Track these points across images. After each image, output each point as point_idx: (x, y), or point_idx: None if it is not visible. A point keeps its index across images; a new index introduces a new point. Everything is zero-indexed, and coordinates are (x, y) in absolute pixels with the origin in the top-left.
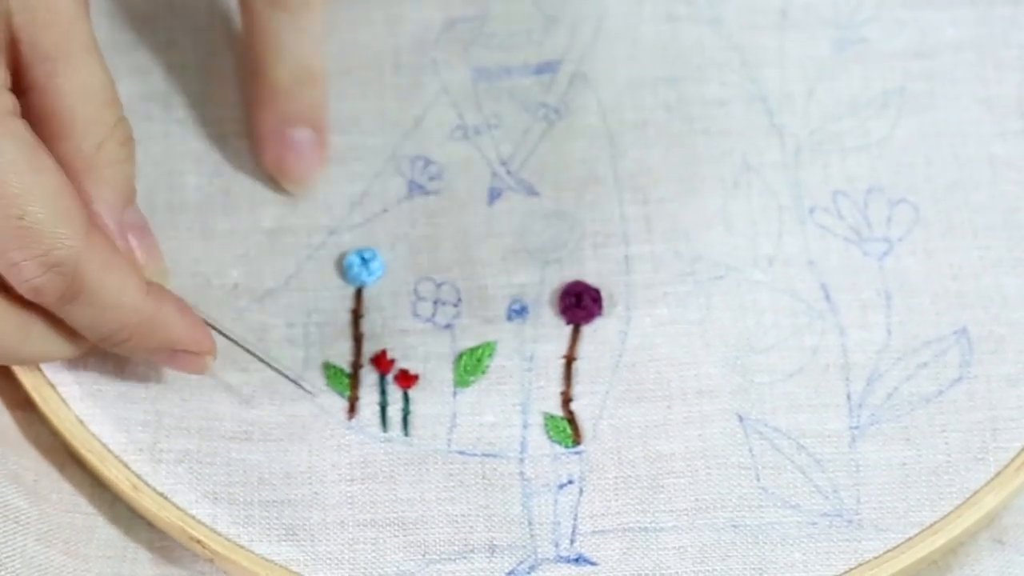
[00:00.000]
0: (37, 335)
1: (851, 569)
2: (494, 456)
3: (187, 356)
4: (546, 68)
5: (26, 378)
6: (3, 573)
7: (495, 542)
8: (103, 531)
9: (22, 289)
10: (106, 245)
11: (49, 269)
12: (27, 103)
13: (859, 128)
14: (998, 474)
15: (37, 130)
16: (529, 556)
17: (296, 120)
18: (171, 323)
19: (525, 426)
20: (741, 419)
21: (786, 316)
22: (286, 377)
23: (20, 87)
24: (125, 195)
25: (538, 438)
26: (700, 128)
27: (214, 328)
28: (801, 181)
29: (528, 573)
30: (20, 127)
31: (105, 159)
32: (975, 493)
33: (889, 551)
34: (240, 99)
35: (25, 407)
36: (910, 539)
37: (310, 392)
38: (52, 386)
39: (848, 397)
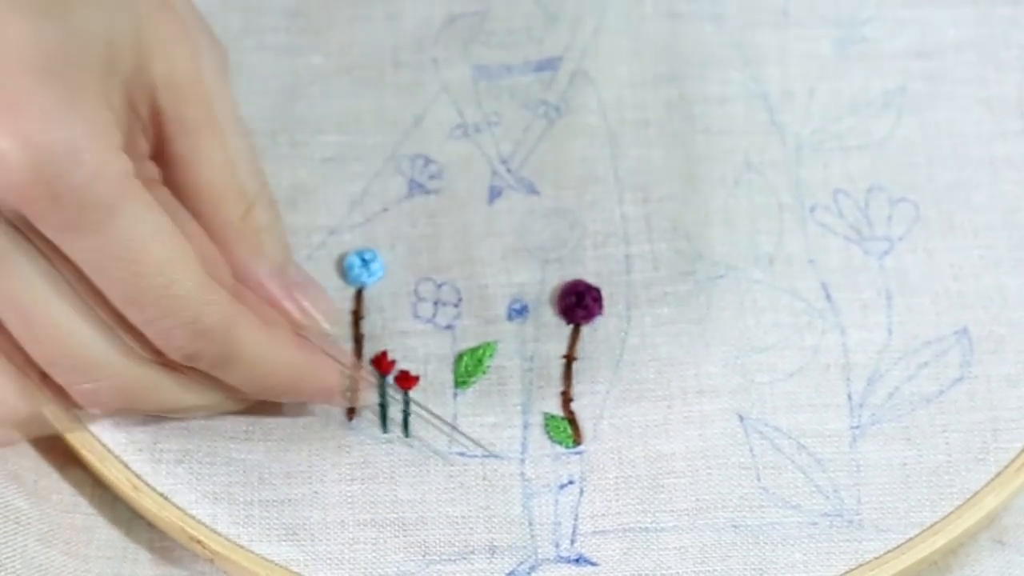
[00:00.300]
0: (195, 389)
1: (851, 569)
2: (495, 457)
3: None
4: (547, 66)
5: None
6: (3, 573)
7: (495, 543)
8: (103, 531)
9: (175, 356)
10: (254, 307)
11: (200, 336)
12: (172, 176)
13: (860, 127)
14: (999, 474)
15: (183, 203)
16: (529, 556)
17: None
18: (324, 373)
19: (526, 426)
20: (742, 419)
21: (787, 315)
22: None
23: (164, 159)
24: (281, 257)
25: (539, 438)
26: (701, 127)
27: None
28: (802, 180)
29: (528, 574)
30: (163, 194)
31: (253, 227)
32: (976, 493)
33: (890, 551)
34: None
35: None
36: (911, 539)
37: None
38: None
39: (849, 397)
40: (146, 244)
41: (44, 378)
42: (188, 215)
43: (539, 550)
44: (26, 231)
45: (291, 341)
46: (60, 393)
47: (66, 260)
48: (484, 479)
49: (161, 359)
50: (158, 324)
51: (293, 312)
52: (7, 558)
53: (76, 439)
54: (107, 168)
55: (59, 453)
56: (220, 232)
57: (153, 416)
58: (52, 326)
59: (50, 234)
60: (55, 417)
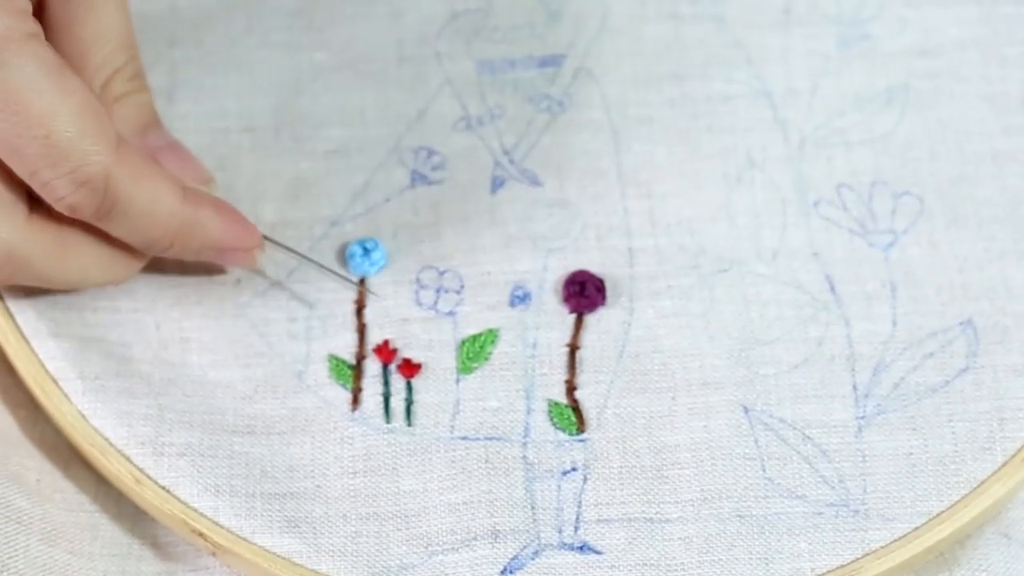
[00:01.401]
0: (75, 255)
1: (857, 559)
2: (497, 439)
3: (234, 252)
4: (550, 61)
5: (28, 373)
6: (7, 574)
7: (498, 527)
8: (107, 529)
9: (58, 207)
10: (137, 157)
11: (81, 185)
12: (48, 38)
13: (863, 123)
14: (1005, 464)
15: None
16: (532, 541)
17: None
18: (211, 224)
19: (529, 411)
20: (746, 410)
21: (791, 308)
22: (331, 271)
23: (42, 21)
24: (139, 124)
25: (542, 424)
26: (704, 124)
27: (267, 239)
28: (805, 175)
29: (532, 558)
30: (43, 49)
31: (111, 95)
32: (982, 483)
33: (896, 541)
34: (242, 94)
35: (27, 406)
36: (917, 529)
37: (351, 281)
38: (54, 381)
39: (854, 387)
40: (24, 95)
41: None
42: (70, 70)
43: (542, 535)
44: None
45: (176, 193)
46: None
47: None
48: (486, 462)
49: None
50: (40, 175)
51: None
52: (10, 558)
53: (78, 434)
54: None
55: (62, 452)
56: None
57: (155, 410)
58: None
59: None
60: None
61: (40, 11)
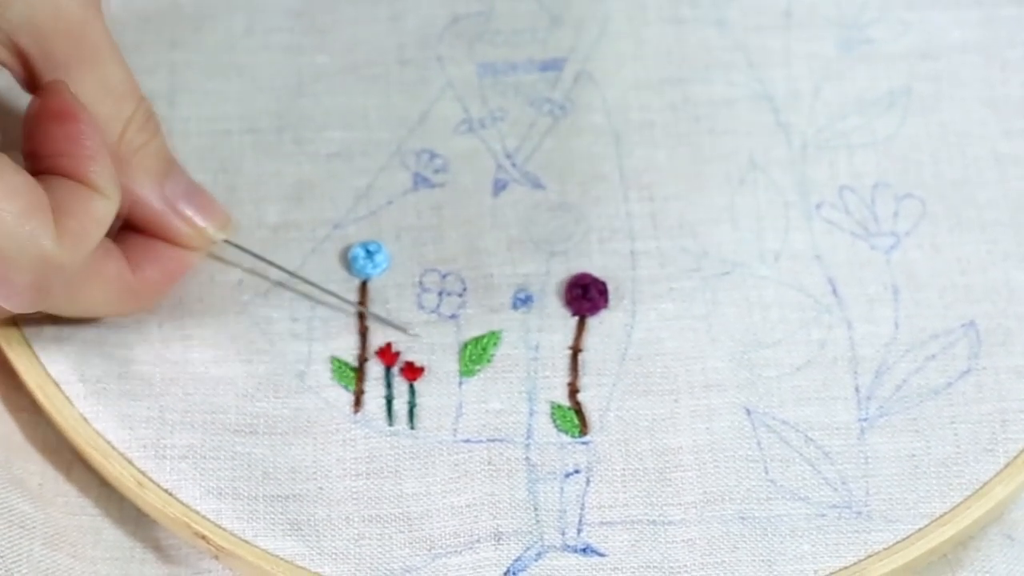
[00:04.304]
0: (86, 289)
1: (860, 560)
2: (500, 442)
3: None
4: (551, 65)
5: (30, 376)
6: None
7: (501, 529)
8: (110, 532)
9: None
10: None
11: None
12: None
13: (865, 126)
14: (1007, 465)
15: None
16: (535, 543)
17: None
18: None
19: (531, 414)
20: (749, 412)
21: (793, 311)
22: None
23: (38, 92)
24: (158, 173)
25: (544, 426)
26: (706, 128)
27: (266, 261)
28: (807, 177)
29: (535, 560)
30: None
31: (127, 149)
32: (985, 484)
33: (898, 542)
34: (243, 97)
35: (29, 410)
36: (920, 530)
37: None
38: (56, 384)
39: (856, 390)
40: None
41: None
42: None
43: (545, 536)
44: None
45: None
46: None
47: None
48: (489, 464)
49: None
50: None
51: (176, 225)
52: (13, 563)
53: (80, 438)
54: None
55: (64, 455)
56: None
57: (157, 412)
58: None
59: None
60: None
61: (32, 77)
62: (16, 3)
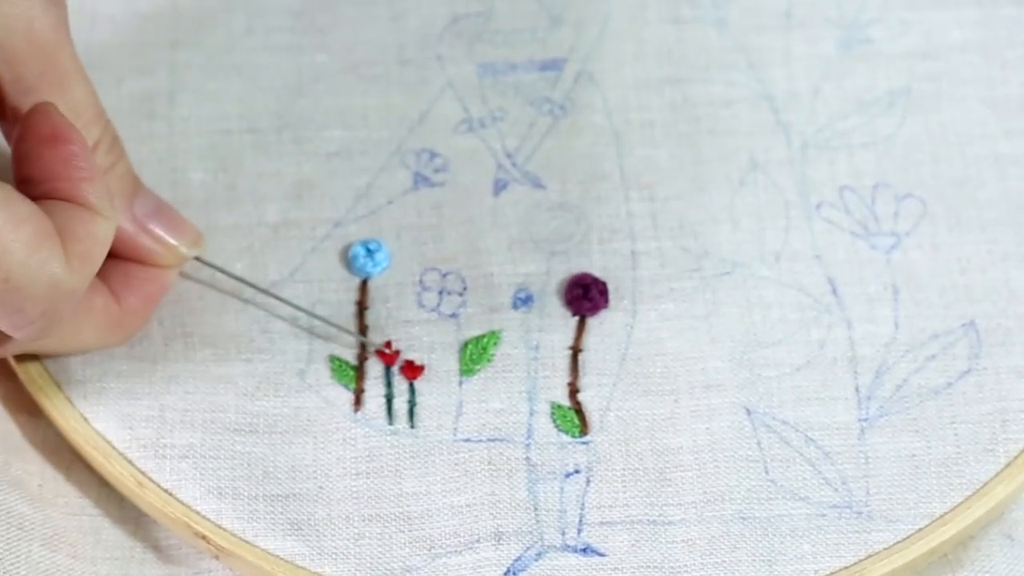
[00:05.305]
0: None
1: (860, 560)
2: (500, 441)
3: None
4: (551, 65)
5: (30, 377)
6: None
7: (501, 529)
8: (109, 532)
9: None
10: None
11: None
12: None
13: (866, 126)
14: (1008, 465)
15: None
16: (535, 542)
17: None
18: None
19: (531, 413)
20: (749, 412)
21: (793, 311)
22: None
23: (6, 116)
24: (127, 194)
25: (545, 426)
26: (706, 128)
27: (248, 284)
28: (807, 177)
29: (535, 560)
30: None
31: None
32: (985, 484)
33: (899, 542)
34: (243, 96)
35: (29, 411)
36: (920, 530)
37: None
38: (56, 384)
39: (857, 390)
40: None
41: None
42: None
43: (545, 536)
44: None
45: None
46: None
47: None
48: (489, 464)
49: None
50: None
51: (148, 245)
52: (12, 564)
53: (80, 438)
54: None
55: (63, 456)
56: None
57: (157, 411)
58: None
59: None
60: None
61: (2, 103)
62: None
